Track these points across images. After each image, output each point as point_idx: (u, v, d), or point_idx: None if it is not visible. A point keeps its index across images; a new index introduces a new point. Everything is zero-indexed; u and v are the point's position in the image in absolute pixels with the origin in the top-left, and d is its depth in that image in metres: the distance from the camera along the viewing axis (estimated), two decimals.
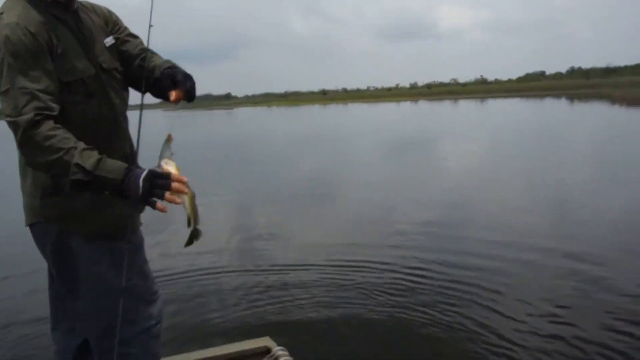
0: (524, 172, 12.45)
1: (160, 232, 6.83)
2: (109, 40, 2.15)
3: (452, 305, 4.73)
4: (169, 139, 1.90)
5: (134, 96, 2.24)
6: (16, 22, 1.82)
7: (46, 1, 1.93)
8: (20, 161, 2.03)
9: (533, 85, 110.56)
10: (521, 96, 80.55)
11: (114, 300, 2.00)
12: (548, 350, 3.85)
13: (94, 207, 2.01)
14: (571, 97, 62.93)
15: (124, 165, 1.81)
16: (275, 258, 6.47)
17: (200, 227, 1.92)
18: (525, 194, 10.18)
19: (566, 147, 16.93)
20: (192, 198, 1.86)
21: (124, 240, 2.07)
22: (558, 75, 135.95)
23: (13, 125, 1.76)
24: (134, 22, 2.35)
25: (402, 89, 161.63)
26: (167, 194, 1.77)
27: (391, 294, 5.04)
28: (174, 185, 1.78)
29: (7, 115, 1.77)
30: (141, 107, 2.14)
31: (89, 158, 1.75)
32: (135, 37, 2.28)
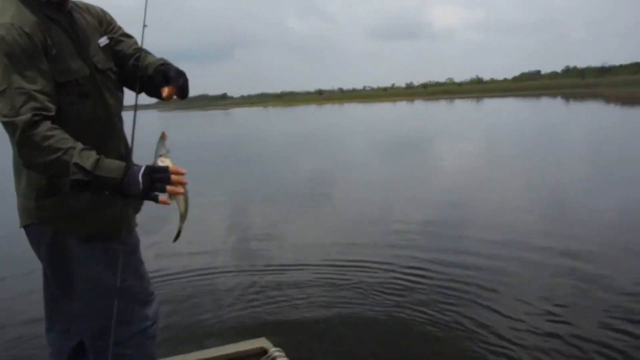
0: (521, 172, 12.47)
1: (155, 233, 6.81)
2: (103, 41, 2.14)
3: (450, 304, 4.73)
4: (162, 137, 1.92)
5: (129, 97, 2.24)
6: (11, 23, 1.81)
7: (40, 1, 1.92)
8: (14, 162, 2.02)
9: (529, 85, 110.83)
10: (517, 96, 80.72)
11: (109, 301, 1.99)
12: (546, 349, 3.86)
13: (90, 208, 2.00)
14: (566, 97, 63.10)
15: (123, 164, 1.82)
16: (272, 258, 6.46)
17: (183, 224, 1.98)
18: (523, 193, 10.20)
19: (563, 147, 16.96)
20: (186, 194, 1.90)
21: (120, 241, 2.06)
22: (553, 75, 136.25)
23: (11, 126, 1.75)
24: (128, 22, 2.33)
25: (398, 88, 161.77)
26: (168, 187, 1.80)
27: (388, 294, 5.03)
28: (174, 177, 1.82)
29: (4, 116, 1.77)
30: (135, 107, 2.13)
31: (88, 158, 1.76)
32: (129, 37, 2.27)
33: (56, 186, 1.93)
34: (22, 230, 2.11)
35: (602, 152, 14.93)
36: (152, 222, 6.61)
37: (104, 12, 2.22)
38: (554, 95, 70.51)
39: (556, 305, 4.61)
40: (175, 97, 2.14)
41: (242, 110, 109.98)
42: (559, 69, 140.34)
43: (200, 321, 4.68)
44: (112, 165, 1.80)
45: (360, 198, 10.43)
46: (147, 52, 2.23)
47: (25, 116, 1.73)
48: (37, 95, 1.77)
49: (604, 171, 11.85)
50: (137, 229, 2.26)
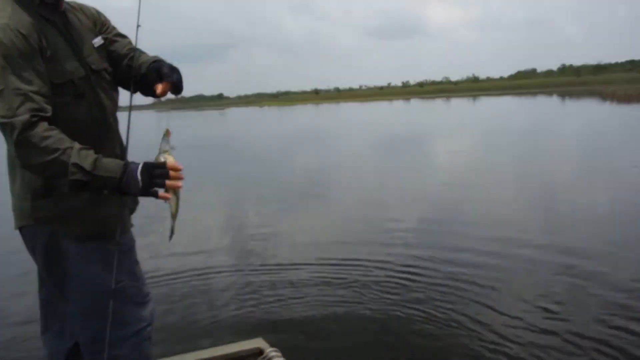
0: (516, 169, 12.50)
1: (151, 233, 6.80)
2: (98, 41, 2.13)
3: (447, 302, 4.73)
4: (166, 134, 1.93)
5: (124, 97, 2.23)
6: (7, 24, 1.81)
7: (34, 2, 1.92)
8: (8, 163, 2.01)
9: (525, 83, 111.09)
10: (513, 94, 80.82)
11: (104, 302, 1.98)
12: (543, 346, 3.86)
13: (85, 208, 1.99)
14: (563, 95, 63.19)
15: (121, 162, 1.84)
16: (268, 257, 6.46)
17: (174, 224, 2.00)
18: (519, 190, 10.23)
19: (558, 144, 17.00)
20: (178, 193, 1.93)
21: (115, 241, 2.05)
22: (549, 73, 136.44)
23: (8, 127, 1.75)
24: (123, 22, 2.33)
25: (395, 87, 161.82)
26: (168, 182, 1.83)
27: (385, 292, 5.03)
28: (172, 173, 1.84)
29: (2, 117, 1.76)
30: (130, 107, 2.13)
31: (86, 158, 1.76)
32: (123, 36, 2.26)
33: (51, 187, 1.92)
34: (14, 232, 2.10)
35: (599, 149, 14.95)
36: (147, 222, 6.61)
37: (98, 12, 2.21)
38: (550, 94, 70.62)
39: (553, 302, 4.62)
40: (169, 93, 2.13)
41: (239, 110, 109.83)
42: (554, 67, 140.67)
43: (196, 321, 4.68)
44: (111, 164, 1.80)
45: (355, 196, 10.44)
46: (141, 52, 2.23)
47: (22, 117, 1.73)
48: (34, 96, 1.77)
49: (601, 168, 11.87)
50: (133, 229, 2.26)
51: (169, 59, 2.22)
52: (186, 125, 47.16)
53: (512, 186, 10.69)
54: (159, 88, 2.09)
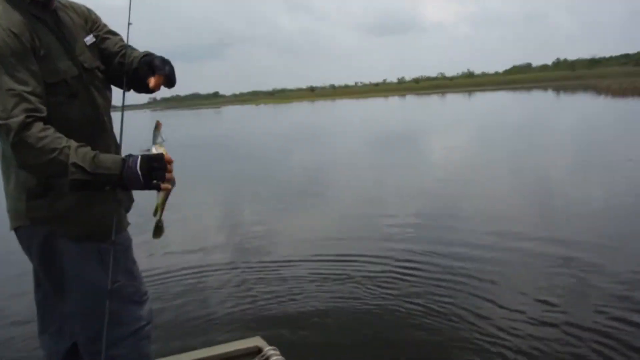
0: (513, 163, 12.52)
1: (147, 231, 6.77)
2: (89, 39, 2.12)
3: (446, 296, 4.74)
4: (157, 126, 1.93)
5: (118, 96, 2.21)
6: None
7: (25, 1, 1.90)
8: (2, 163, 2.00)
9: (520, 78, 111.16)
10: (508, 89, 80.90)
11: (102, 301, 1.97)
12: (542, 338, 3.87)
13: (81, 208, 1.98)
14: (557, 89, 63.29)
15: (119, 157, 1.82)
16: (265, 255, 6.44)
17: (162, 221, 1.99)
18: (516, 184, 10.24)
19: (554, 138, 17.01)
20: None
21: (112, 240, 2.04)
22: (544, 67, 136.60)
23: (4, 128, 1.73)
24: (114, 21, 2.31)
25: (390, 84, 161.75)
26: (167, 174, 1.83)
27: (383, 287, 5.03)
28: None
29: None
30: (122, 105, 2.12)
31: (84, 156, 1.75)
32: (114, 34, 2.25)
33: (47, 186, 1.91)
34: (10, 233, 2.09)
35: (596, 143, 14.97)
36: (143, 221, 6.58)
37: (89, 10, 2.19)
38: (544, 88, 70.72)
39: (552, 294, 4.62)
40: (163, 87, 2.11)
41: (234, 108, 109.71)
42: (549, 61, 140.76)
43: (193, 320, 4.67)
44: (109, 161, 1.79)
45: (351, 193, 10.44)
46: (133, 48, 2.21)
47: (18, 118, 1.71)
48: (29, 96, 1.76)
49: (598, 161, 11.89)
50: (129, 228, 2.24)
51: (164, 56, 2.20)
52: (179, 124, 46.92)
53: (508, 181, 10.71)
54: (152, 81, 2.07)
